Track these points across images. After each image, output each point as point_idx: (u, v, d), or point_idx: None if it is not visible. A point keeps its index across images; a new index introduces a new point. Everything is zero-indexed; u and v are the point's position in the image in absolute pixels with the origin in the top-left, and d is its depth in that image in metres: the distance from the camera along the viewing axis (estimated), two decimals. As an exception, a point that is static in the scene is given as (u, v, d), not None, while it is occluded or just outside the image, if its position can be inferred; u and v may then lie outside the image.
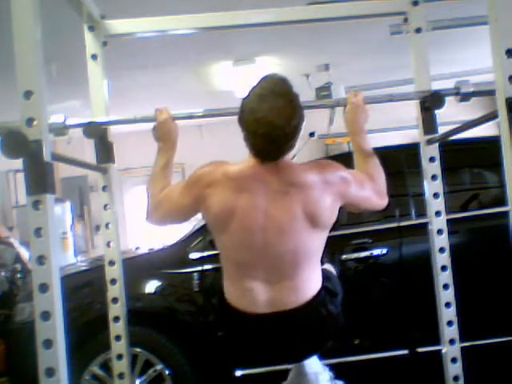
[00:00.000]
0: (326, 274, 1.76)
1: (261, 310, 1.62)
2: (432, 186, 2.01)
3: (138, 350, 2.89)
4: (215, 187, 1.62)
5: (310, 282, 1.66)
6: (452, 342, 1.97)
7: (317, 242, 1.64)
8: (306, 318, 1.65)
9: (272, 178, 1.59)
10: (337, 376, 2.05)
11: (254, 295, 1.62)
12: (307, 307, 1.64)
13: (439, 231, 2.00)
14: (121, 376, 2.06)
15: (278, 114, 1.50)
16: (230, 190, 1.59)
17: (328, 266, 1.91)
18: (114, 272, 2.06)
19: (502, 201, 1.73)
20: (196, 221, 3.84)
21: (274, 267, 1.62)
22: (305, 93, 5.53)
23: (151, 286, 3.09)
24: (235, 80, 5.38)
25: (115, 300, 2.05)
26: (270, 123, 1.49)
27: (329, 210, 1.62)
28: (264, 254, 1.60)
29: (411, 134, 3.49)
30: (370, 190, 1.75)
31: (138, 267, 3.11)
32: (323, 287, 1.69)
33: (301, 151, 4.48)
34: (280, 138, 1.52)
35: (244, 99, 1.63)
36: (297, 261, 1.61)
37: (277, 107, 1.51)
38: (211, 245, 3.12)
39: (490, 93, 1.42)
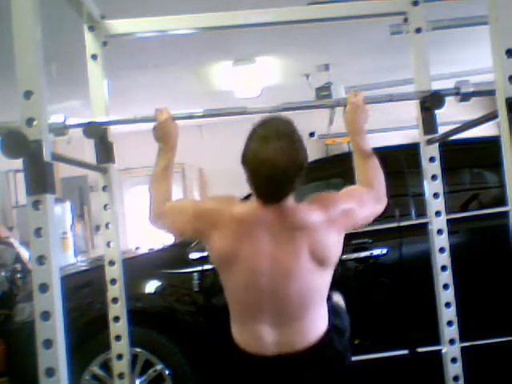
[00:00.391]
0: (334, 309, 1.73)
1: (268, 353, 1.60)
2: (432, 186, 2.01)
3: (138, 349, 2.89)
4: (220, 229, 1.60)
5: (317, 321, 1.63)
6: (452, 341, 1.97)
7: (324, 279, 1.62)
8: (314, 359, 1.62)
9: (276, 221, 1.56)
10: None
11: (260, 338, 1.60)
12: (315, 349, 1.61)
13: (439, 231, 2.00)
14: (121, 376, 2.06)
15: (281, 155, 1.46)
16: (235, 234, 1.57)
17: (337, 298, 1.87)
18: (113, 272, 2.06)
19: (501, 201, 1.73)
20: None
21: (281, 310, 1.59)
22: (305, 93, 5.55)
23: (151, 286, 3.09)
24: (235, 80, 5.38)
25: (115, 300, 2.05)
26: (273, 165, 1.46)
27: (335, 247, 1.61)
28: (270, 297, 1.57)
29: (411, 134, 3.49)
30: (371, 204, 1.75)
31: (138, 267, 3.12)
32: (331, 325, 1.67)
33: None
34: (283, 179, 1.49)
35: (247, 140, 1.57)
36: (304, 302, 1.59)
37: (280, 148, 1.47)
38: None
39: (490, 93, 1.42)
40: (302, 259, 1.55)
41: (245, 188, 3.24)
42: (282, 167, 1.46)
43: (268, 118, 1.62)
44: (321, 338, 1.62)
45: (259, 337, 1.60)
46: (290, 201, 1.58)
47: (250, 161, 1.52)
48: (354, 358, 2.89)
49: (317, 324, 1.63)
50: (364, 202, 1.72)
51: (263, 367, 1.62)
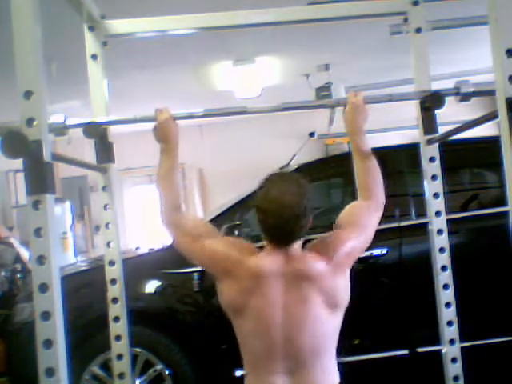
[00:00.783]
0: None
1: None
2: (432, 186, 2.01)
3: (138, 350, 2.89)
4: (233, 278, 1.64)
5: (330, 372, 1.64)
6: (452, 341, 1.97)
7: (335, 323, 1.64)
8: None
9: (286, 271, 1.60)
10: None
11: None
12: None
13: (439, 231, 2.00)
14: (121, 376, 2.06)
15: (288, 195, 1.58)
16: (247, 285, 1.61)
17: None
18: (114, 272, 2.06)
19: (501, 201, 1.73)
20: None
21: (295, 358, 1.59)
22: (305, 93, 5.54)
23: (151, 286, 3.09)
24: (235, 80, 5.38)
25: (115, 300, 2.05)
26: (282, 203, 1.56)
27: (344, 290, 1.65)
28: (283, 346, 1.58)
29: (411, 134, 3.49)
30: (372, 218, 1.79)
31: (138, 267, 3.12)
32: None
33: (301, 151, 4.49)
34: (291, 217, 1.56)
35: (258, 189, 1.67)
36: (316, 349, 1.60)
37: (287, 190, 1.59)
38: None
39: (490, 93, 1.42)
40: (313, 307, 1.58)
41: (244, 188, 3.26)
42: (289, 205, 1.56)
43: (278, 172, 1.80)
44: None
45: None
46: (298, 248, 1.64)
47: (260, 203, 1.62)
48: (354, 358, 2.90)
49: (330, 375, 1.64)
50: (366, 224, 1.75)
51: None
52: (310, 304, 1.57)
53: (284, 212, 1.56)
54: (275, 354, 1.59)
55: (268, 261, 1.61)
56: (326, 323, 1.60)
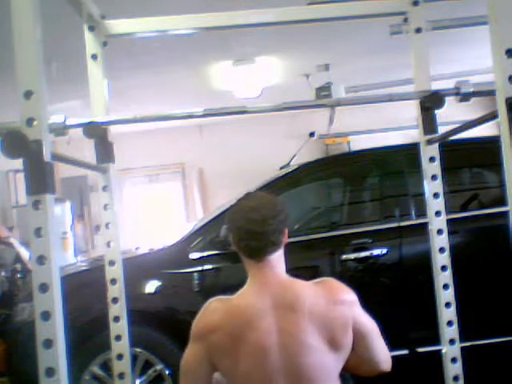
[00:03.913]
0: None
1: None
2: (432, 186, 2.01)
3: (138, 350, 2.89)
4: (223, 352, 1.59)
5: None
6: (452, 341, 1.97)
7: (336, 364, 1.58)
8: None
9: (275, 298, 1.57)
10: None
11: None
12: None
13: (439, 231, 2.00)
14: (121, 376, 2.05)
15: (260, 209, 1.60)
16: (234, 341, 1.55)
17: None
18: (113, 272, 2.06)
19: (502, 201, 1.73)
20: (196, 221, 3.82)
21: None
22: (305, 93, 5.55)
23: (151, 286, 3.09)
24: (235, 80, 5.38)
25: (115, 300, 2.05)
26: (255, 218, 1.58)
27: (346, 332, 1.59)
28: (283, 376, 1.53)
29: (411, 134, 3.49)
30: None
31: (138, 267, 3.12)
32: None
33: (301, 151, 4.49)
34: (267, 231, 1.58)
35: (231, 211, 1.68)
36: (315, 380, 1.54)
37: (262, 204, 1.62)
38: (211, 245, 3.12)
39: (490, 93, 1.42)
40: (310, 335, 1.53)
41: (244, 187, 3.27)
42: (263, 216, 1.58)
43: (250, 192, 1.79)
44: None
45: None
46: (283, 274, 1.63)
47: (236, 222, 1.62)
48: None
49: None
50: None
51: None
52: (304, 335, 1.52)
53: (259, 223, 1.57)
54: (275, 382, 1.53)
55: (250, 298, 1.59)
56: (325, 358, 1.54)
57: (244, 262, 1.66)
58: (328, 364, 1.55)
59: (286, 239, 1.65)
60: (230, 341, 1.55)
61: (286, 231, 1.65)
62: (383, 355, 1.68)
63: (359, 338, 1.61)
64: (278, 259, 1.63)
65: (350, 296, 1.65)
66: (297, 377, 1.53)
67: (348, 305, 1.62)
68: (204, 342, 1.62)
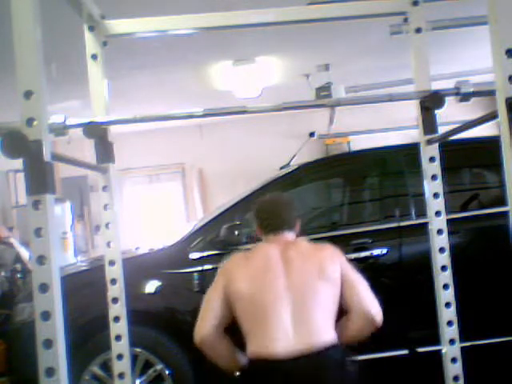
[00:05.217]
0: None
1: (285, 352, 1.89)
2: (432, 186, 2.01)
3: (138, 350, 2.89)
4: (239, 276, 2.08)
5: (327, 329, 1.97)
6: (452, 341, 1.97)
7: (329, 293, 2.02)
8: (328, 360, 1.91)
9: (284, 250, 2.10)
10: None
11: (280, 339, 1.91)
12: (328, 351, 1.92)
13: (439, 231, 2.00)
14: (121, 376, 2.05)
15: (280, 199, 2.31)
16: (255, 273, 2.06)
17: None
18: (114, 272, 2.06)
19: (502, 201, 1.73)
20: (196, 221, 3.82)
21: (297, 311, 1.95)
22: (305, 93, 5.55)
23: (151, 286, 3.09)
24: (235, 80, 5.38)
25: (115, 300, 2.05)
26: (275, 203, 2.26)
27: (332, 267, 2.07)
28: (288, 301, 1.96)
29: (411, 134, 3.49)
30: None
31: (138, 267, 3.12)
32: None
33: (301, 151, 4.49)
34: (282, 210, 2.21)
35: (255, 205, 2.31)
36: (315, 303, 1.97)
37: (279, 196, 2.37)
38: (211, 245, 3.13)
39: (490, 93, 1.42)
40: (309, 274, 2.02)
41: (243, 187, 3.29)
42: (281, 204, 2.25)
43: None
44: (333, 344, 1.94)
45: (279, 339, 1.92)
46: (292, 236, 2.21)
47: (260, 207, 2.26)
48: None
49: (328, 333, 1.96)
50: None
51: (280, 367, 1.89)
52: (306, 271, 2.02)
53: (278, 208, 2.22)
54: (283, 309, 1.94)
55: (269, 246, 2.13)
56: (321, 287, 2.00)
57: (263, 239, 2.21)
58: (319, 289, 2.00)
59: (297, 228, 2.23)
60: (246, 273, 2.04)
61: (298, 222, 2.23)
62: (373, 304, 2.06)
63: (348, 283, 2.06)
64: (290, 237, 2.19)
65: (338, 251, 2.15)
66: (297, 296, 1.97)
67: (337, 254, 2.12)
68: (225, 277, 2.07)
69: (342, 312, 2.06)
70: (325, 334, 1.95)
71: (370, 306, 2.05)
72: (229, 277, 2.06)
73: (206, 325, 2.04)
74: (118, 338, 2.05)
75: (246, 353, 2.02)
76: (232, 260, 2.15)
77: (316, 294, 1.98)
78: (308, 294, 1.97)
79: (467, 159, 3.42)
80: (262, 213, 2.23)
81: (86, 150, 4.79)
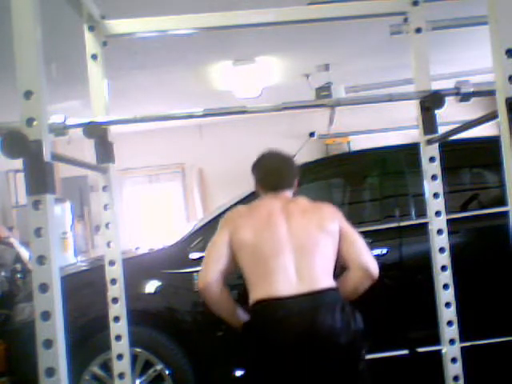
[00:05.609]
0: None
1: (287, 293, 1.96)
2: (432, 186, 2.01)
3: (138, 350, 2.89)
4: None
5: (327, 274, 2.05)
6: (452, 341, 1.97)
7: (328, 242, 2.09)
8: (329, 301, 1.98)
9: (285, 205, 2.16)
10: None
11: (280, 285, 1.98)
12: (329, 292, 2.01)
13: (439, 231, 2.00)
14: (121, 376, 2.06)
15: (281, 157, 2.30)
16: (258, 225, 2.10)
17: None
18: (114, 272, 2.06)
19: (501, 201, 1.73)
20: (196, 221, 3.82)
21: (299, 253, 2.03)
22: (305, 93, 5.55)
23: (151, 286, 3.09)
24: (235, 80, 5.38)
25: (115, 300, 2.05)
26: (276, 161, 2.29)
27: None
28: (290, 243, 2.04)
29: (411, 134, 3.49)
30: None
31: (138, 267, 3.12)
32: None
33: (301, 151, 4.49)
34: (283, 172, 2.26)
35: (256, 162, 2.31)
36: (316, 251, 2.05)
37: (280, 154, 2.31)
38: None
39: (490, 93, 1.42)
40: (309, 225, 2.09)
41: (243, 188, 3.28)
42: (282, 162, 2.28)
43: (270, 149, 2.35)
44: (332, 288, 2.03)
45: (282, 283, 1.98)
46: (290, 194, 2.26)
47: (261, 167, 2.29)
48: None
49: (327, 278, 2.04)
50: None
51: (285, 306, 1.95)
52: (306, 224, 2.09)
53: (278, 165, 2.26)
54: (286, 254, 2.02)
55: (270, 201, 2.19)
56: (320, 237, 2.08)
57: (262, 196, 2.25)
58: (319, 240, 2.07)
59: (296, 186, 2.29)
60: (250, 222, 2.10)
61: (297, 180, 2.28)
62: (370, 258, 2.12)
63: (346, 238, 2.12)
64: (288, 195, 2.24)
65: (337, 209, 2.21)
66: (298, 246, 2.04)
67: (336, 211, 2.19)
68: (229, 226, 2.13)
69: (340, 271, 2.14)
70: (324, 280, 2.02)
71: (368, 259, 2.11)
72: (233, 225, 2.10)
73: (212, 270, 2.06)
74: (118, 338, 2.05)
75: (247, 307, 2.07)
76: (235, 211, 2.20)
77: (316, 244, 2.06)
78: (308, 244, 2.05)
79: (467, 159, 3.41)
80: (262, 170, 2.27)
81: (86, 150, 4.78)
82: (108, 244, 2.08)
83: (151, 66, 4.96)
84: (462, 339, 1.96)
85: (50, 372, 1.24)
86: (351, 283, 2.11)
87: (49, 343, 1.24)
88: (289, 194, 2.24)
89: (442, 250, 1.99)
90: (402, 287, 3.09)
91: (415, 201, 3.16)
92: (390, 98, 1.92)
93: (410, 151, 2.55)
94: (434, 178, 2.00)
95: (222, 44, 4.44)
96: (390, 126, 6.92)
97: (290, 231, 2.07)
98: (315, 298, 1.97)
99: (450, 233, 1.99)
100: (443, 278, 1.99)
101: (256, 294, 2.02)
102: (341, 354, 1.94)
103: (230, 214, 2.20)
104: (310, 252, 2.04)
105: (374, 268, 2.10)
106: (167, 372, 2.95)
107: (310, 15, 2.20)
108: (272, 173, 2.24)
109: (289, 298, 1.95)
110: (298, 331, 1.91)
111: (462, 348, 1.97)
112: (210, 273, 2.06)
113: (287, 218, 2.10)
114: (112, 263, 2.07)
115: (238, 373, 2.90)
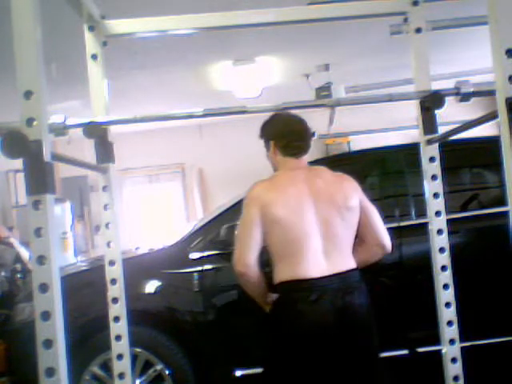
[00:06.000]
0: None
1: (317, 274, 2.00)
2: (432, 186, 2.01)
3: (138, 350, 2.89)
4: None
5: (350, 256, 2.11)
6: (452, 341, 1.97)
7: (351, 221, 2.12)
8: (355, 280, 2.07)
9: (309, 177, 2.13)
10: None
11: (312, 265, 2.02)
12: (354, 272, 2.08)
13: (439, 231, 2.00)
14: (121, 376, 2.05)
15: (298, 120, 2.24)
16: (285, 198, 2.07)
17: None
18: (114, 272, 2.06)
19: (501, 201, 1.73)
20: (196, 221, 3.82)
21: (329, 239, 2.05)
22: (305, 93, 5.55)
23: (151, 286, 3.09)
24: (235, 80, 5.38)
25: (115, 300, 2.05)
26: (299, 126, 2.23)
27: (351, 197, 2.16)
28: (319, 228, 2.04)
29: (411, 134, 3.49)
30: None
31: (138, 267, 3.12)
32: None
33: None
34: (306, 135, 2.22)
35: (267, 124, 2.29)
36: (340, 234, 2.07)
37: (296, 117, 2.25)
38: (211, 245, 3.12)
39: (490, 93, 1.42)
40: (332, 195, 2.10)
41: (243, 188, 3.28)
42: (301, 124, 2.23)
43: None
44: (356, 267, 2.10)
45: (313, 263, 2.01)
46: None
47: (279, 127, 2.22)
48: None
49: (350, 257, 2.11)
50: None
51: (318, 284, 2.00)
52: (333, 201, 2.08)
53: (299, 127, 2.20)
54: (315, 234, 2.03)
55: (294, 173, 2.14)
56: (346, 216, 2.08)
57: (279, 161, 2.20)
58: (345, 218, 2.08)
59: None
60: (280, 198, 2.05)
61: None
62: (385, 233, 2.19)
63: (365, 212, 2.15)
64: (306, 161, 2.22)
65: (355, 181, 2.22)
66: (326, 225, 2.05)
67: (356, 185, 2.20)
68: (258, 202, 2.06)
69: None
70: (349, 260, 2.10)
71: (384, 235, 2.19)
72: (263, 201, 2.05)
73: (250, 252, 2.04)
74: (118, 338, 2.05)
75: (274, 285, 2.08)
76: (260, 187, 2.12)
77: (341, 225, 2.08)
78: (335, 225, 2.06)
79: (467, 159, 3.41)
80: (281, 133, 2.19)
81: (86, 150, 4.78)
82: (108, 244, 2.08)
83: (151, 65, 4.96)
84: (461, 339, 1.96)
85: (50, 372, 1.24)
86: (365, 256, 2.19)
87: (49, 343, 1.24)
88: (306, 158, 2.22)
89: (441, 250, 1.99)
90: (401, 287, 3.09)
91: (415, 201, 3.16)
92: (390, 98, 1.92)
93: (410, 151, 2.55)
94: (433, 178, 2.00)
95: (221, 44, 4.44)
96: (390, 126, 6.91)
97: (318, 212, 2.06)
98: (343, 279, 2.03)
99: (450, 233, 1.99)
100: (443, 277, 1.99)
101: (286, 273, 2.03)
102: (368, 329, 2.10)
103: (255, 191, 2.11)
104: (336, 233, 2.07)
105: (389, 244, 2.20)
106: (167, 372, 2.95)
107: (310, 15, 2.20)
108: (295, 136, 2.17)
109: (319, 278, 2.00)
110: (332, 311, 1.97)
111: (462, 348, 1.97)
112: (250, 255, 2.04)
113: (315, 196, 2.07)
114: (112, 263, 2.07)
115: (238, 373, 2.90)
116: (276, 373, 2.04)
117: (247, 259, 2.04)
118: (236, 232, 2.13)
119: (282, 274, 2.05)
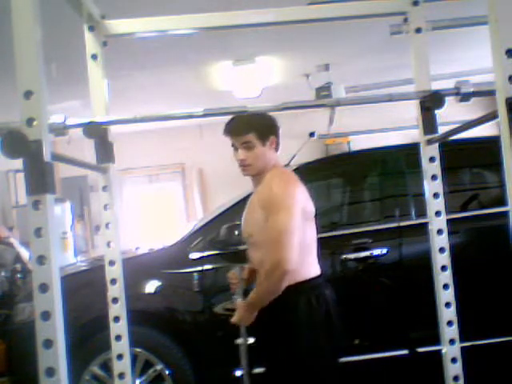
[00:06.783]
0: None
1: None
2: (432, 186, 2.01)
3: (138, 350, 2.89)
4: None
5: None
6: (452, 341, 1.97)
7: None
8: None
9: None
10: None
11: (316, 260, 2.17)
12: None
13: (439, 231, 2.00)
14: (121, 376, 2.05)
15: None
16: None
17: None
18: (114, 272, 2.06)
19: (501, 201, 1.73)
20: (196, 221, 3.82)
21: None
22: (305, 93, 5.55)
23: (151, 286, 3.09)
24: (235, 80, 5.38)
25: (115, 300, 2.05)
26: None
27: None
28: None
29: (411, 134, 3.49)
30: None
31: (138, 267, 3.12)
32: None
33: (301, 151, 4.49)
34: None
35: (267, 121, 2.27)
36: None
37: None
38: (211, 245, 3.13)
39: (490, 93, 1.42)
40: None
41: (243, 188, 3.28)
42: None
43: None
44: None
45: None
46: None
47: (276, 124, 2.29)
48: (354, 359, 2.90)
49: None
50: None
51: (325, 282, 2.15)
52: None
53: None
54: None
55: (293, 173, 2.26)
56: None
57: (272, 157, 2.23)
58: None
59: None
60: (306, 194, 2.13)
61: None
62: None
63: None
64: None
65: None
66: None
67: None
68: (301, 195, 2.10)
69: None
70: None
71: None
72: (301, 200, 2.10)
73: (296, 251, 2.02)
74: (118, 338, 2.05)
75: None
76: (296, 183, 2.16)
77: None
78: None
79: (467, 159, 3.42)
80: (278, 127, 2.31)
81: (86, 150, 4.77)
82: (108, 244, 2.08)
83: (151, 66, 4.96)
84: (461, 339, 1.96)
85: (50, 372, 1.24)
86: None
87: (49, 343, 1.24)
88: None
89: (441, 250, 1.99)
90: (401, 287, 3.09)
91: (415, 201, 3.16)
92: (390, 98, 1.92)
93: (410, 151, 2.55)
94: (433, 178, 2.00)
95: (221, 44, 4.44)
96: (390, 126, 6.91)
97: None
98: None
99: (450, 233, 1.99)
100: (443, 277, 1.99)
101: (310, 270, 2.13)
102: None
103: (295, 187, 2.14)
104: None
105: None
106: (167, 372, 2.95)
107: (310, 15, 2.20)
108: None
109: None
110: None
111: (462, 348, 1.97)
112: (295, 253, 2.01)
113: None
114: (112, 263, 2.07)
115: (238, 373, 2.90)
116: (319, 354, 2.08)
117: (295, 258, 2.00)
118: (276, 229, 2.03)
119: (306, 270, 2.12)
